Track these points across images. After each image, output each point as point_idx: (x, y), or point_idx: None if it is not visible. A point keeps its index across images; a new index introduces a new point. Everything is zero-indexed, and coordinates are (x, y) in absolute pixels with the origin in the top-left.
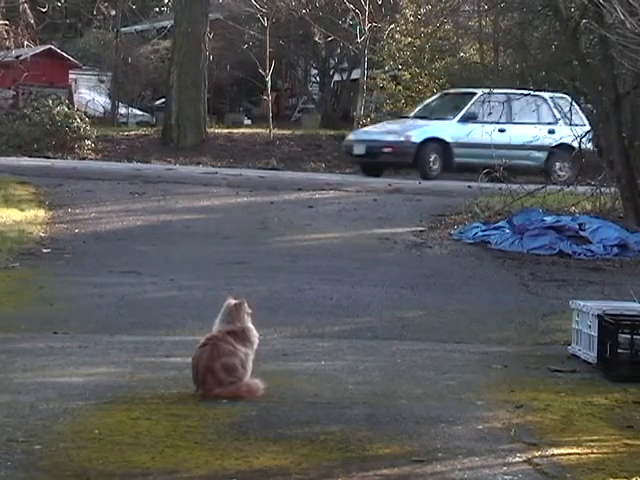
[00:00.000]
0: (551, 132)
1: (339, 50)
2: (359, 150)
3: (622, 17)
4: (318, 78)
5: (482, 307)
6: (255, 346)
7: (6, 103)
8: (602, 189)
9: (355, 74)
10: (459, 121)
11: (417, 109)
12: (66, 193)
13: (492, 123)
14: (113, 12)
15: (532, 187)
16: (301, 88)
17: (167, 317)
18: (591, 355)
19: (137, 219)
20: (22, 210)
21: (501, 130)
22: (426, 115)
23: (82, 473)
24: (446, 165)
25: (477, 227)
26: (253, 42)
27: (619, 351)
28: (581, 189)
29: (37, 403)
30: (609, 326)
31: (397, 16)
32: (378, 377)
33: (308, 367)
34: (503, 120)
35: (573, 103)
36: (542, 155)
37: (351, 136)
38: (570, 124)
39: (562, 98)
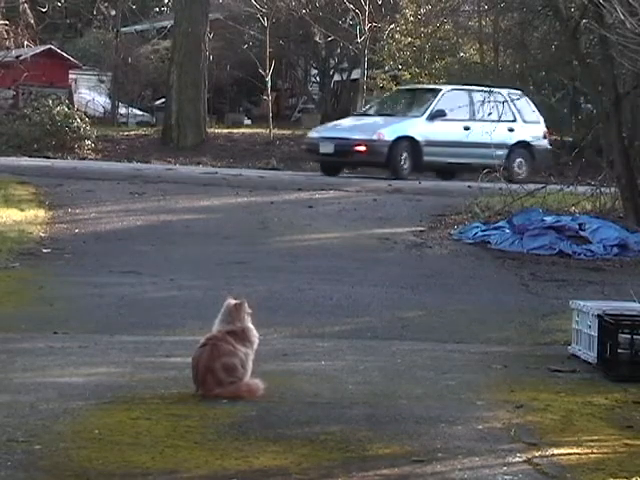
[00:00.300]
0: (510, 130)
1: (339, 50)
2: (326, 149)
3: (622, 17)
4: (318, 78)
5: (482, 307)
6: (255, 346)
7: (6, 103)
8: (602, 189)
9: (355, 74)
10: (427, 119)
11: (372, 106)
12: (66, 193)
13: (458, 121)
14: (113, 12)
15: (532, 187)
16: (301, 88)
17: (167, 317)
18: (591, 355)
19: (137, 219)
20: (22, 210)
21: (466, 128)
22: (388, 112)
23: (82, 473)
24: (416, 164)
25: (477, 227)
26: (253, 42)
27: (619, 351)
28: (581, 189)
29: (37, 403)
30: (609, 326)
31: (397, 16)
32: (378, 377)
33: (308, 367)
34: (467, 118)
35: (527, 100)
36: (503, 153)
37: (314, 133)
38: (526, 121)
39: (517, 95)
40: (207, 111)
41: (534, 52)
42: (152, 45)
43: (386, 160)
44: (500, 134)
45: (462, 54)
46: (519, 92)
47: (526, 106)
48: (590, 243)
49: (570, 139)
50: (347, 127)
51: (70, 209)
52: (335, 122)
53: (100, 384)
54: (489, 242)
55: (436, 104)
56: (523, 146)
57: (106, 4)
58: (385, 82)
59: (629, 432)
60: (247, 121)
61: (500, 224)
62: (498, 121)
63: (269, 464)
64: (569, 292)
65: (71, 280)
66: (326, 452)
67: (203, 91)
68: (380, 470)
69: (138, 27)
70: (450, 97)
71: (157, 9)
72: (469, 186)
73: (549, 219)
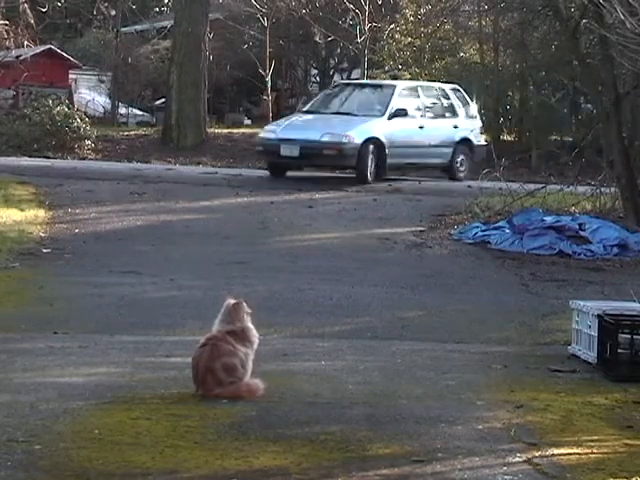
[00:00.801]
0: (455, 127)
1: (339, 50)
2: (290, 151)
3: (622, 17)
4: (318, 78)
5: (482, 307)
6: (255, 346)
7: (6, 103)
8: (602, 189)
9: (355, 74)
10: (388, 118)
11: (316, 102)
12: (66, 193)
13: (412, 118)
14: (113, 12)
15: (532, 187)
16: (301, 88)
17: (167, 317)
18: (591, 355)
19: (137, 219)
20: (22, 210)
21: (420, 127)
22: (342, 110)
23: (82, 473)
24: (380, 167)
25: (477, 227)
26: (253, 42)
27: (619, 351)
28: (581, 189)
29: (37, 403)
30: (609, 326)
31: (397, 16)
32: (378, 377)
33: (308, 367)
34: (419, 115)
35: (466, 95)
36: (449, 151)
37: (270, 134)
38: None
39: (456, 90)
40: (207, 111)
41: (534, 52)
42: (152, 45)
43: (356, 163)
44: (448, 131)
45: (462, 54)
46: (458, 87)
47: (465, 101)
48: (590, 243)
49: (570, 139)
50: (308, 127)
51: (70, 209)
52: (287, 121)
53: (100, 384)
54: (489, 242)
55: (394, 102)
56: (465, 143)
57: (106, 4)
58: None
59: (629, 432)
60: (247, 121)
61: (500, 224)
62: (445, 117)
63: (269, 464)
64: (569, 292)
65: (71, 280)
66: (326, 452)
67: (203, 91)
68: (380, 470)
69: (138, 27)
70: (404, 94)
71: (157, 9)
72: (469, 186)
73: (549, 219)
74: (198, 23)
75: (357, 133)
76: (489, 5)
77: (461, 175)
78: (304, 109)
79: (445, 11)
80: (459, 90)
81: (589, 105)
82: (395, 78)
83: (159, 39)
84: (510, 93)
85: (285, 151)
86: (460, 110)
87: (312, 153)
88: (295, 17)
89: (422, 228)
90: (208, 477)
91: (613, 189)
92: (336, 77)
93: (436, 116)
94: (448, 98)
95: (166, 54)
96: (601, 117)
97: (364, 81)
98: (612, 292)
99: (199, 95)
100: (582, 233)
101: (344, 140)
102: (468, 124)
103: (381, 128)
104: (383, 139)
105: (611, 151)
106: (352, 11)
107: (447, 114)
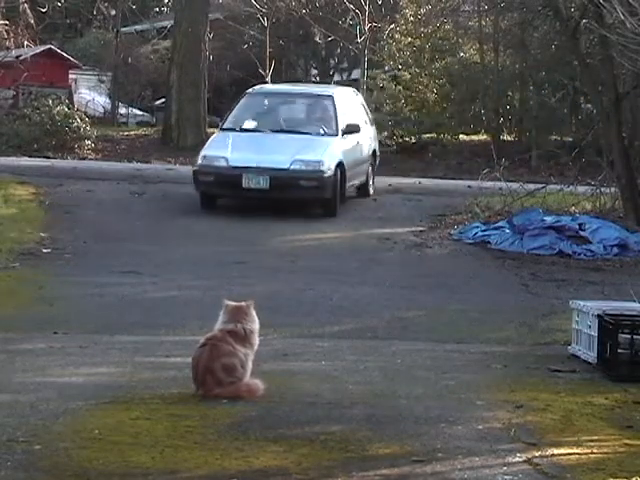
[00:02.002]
0: (370, 138)
1: (339, 50)
2: (258, 183)
3: (622, 17)
4: (318, 78)
5: (482, 307)
6: (255, 347)
7: (6, 103)
8: (602, 189)
9: (355, 74)
10: (342, 136)
11: (239, 117)
12: (66, 193)
13: (354, 133)
14: (113, 12)
15: (532, 187)
16: None
17: (167, 317)
18: (591, 355)
19: (137, 219)
20: (22, 210)
21: (357, 142)
22: (280, 127)
23: (82, 473)
24: (342, 194)
25: (477, 227)
26: (253, 42)
27: (619, 351)
28: (581, 189)
29: (37, 403)
30: (609, 326)
31: (397, 16)
32: (378, 377)
33: (308, 367)
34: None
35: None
36: (367, 167)
37: (218, 160)
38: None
39: (356, 93)
40: (207, 111)
41: (534, 52)
42: (152, 45)
43: (331, 194)
44: (369, 143)
45: (462, 54)
46: (355, 90)
47: (366, 107)
48: (590, 243)
49: (570, 139)
50: (268, 150)
51: (70, 209)
52: (224, 142)
53: (100, 384)
54: (489, 242)
55: (341, 115)
56: (374, 154)
57: (106, 4)
58: (385, 82)
59: (629, 432)
60: None
61: (500, 224)
62: (366, 127)
63: (269, 464)
64: (569, 292)
65: (71, 280)
66: (326, 452)
67: (203, 91)
68: (380, 470)
69: (138, 27)
70: (341, 103)
71: (157, 9)
72: (469, 186)
73: (549, 219)
74: (198, 23)
75: (328, 157)
76: (489, 5)
77: (371, 190)
78: (225, 126)
79: (445, 11)
80: (357, 93)
81: (589, 105)
82: (395, 78)
83: (159, 39)
84: (510, 93)
85: (251, 182)
86: (368, 117)
87: (285, 184)
88: (295, 17)
89: (422, 228)
90: (208, 477)
91: (613, 189)
92: (336, 77)
93: (362, 127)
94: (363, 105)
95: (166, 54)
96: (601, 117)
97: (288, 88)
98: (612, 292)
99: (199, 95)
100: (582, 233)
101: (322, 167)
102: (374, 133)
103: (340, 149)
104: (344, 163)
105: (611, 151)
106: (352, 11)
107: (367, 123)
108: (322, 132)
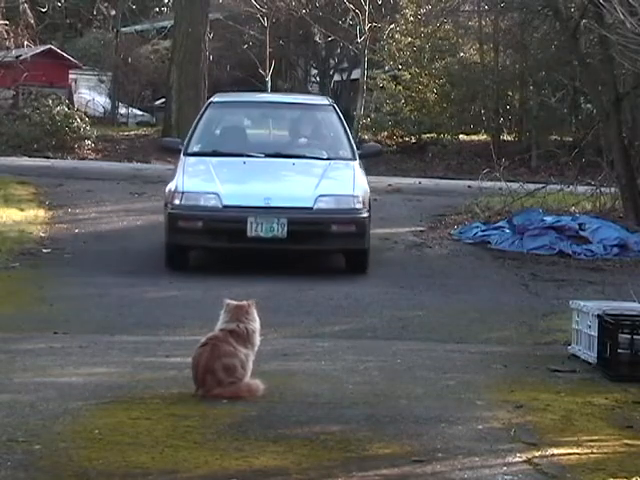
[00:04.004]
0: None
1: (339, 50)
2: (271, 230)
3: (622, 17)
4: (318, 78)
5: (482, 307)
6: (257, 347)
7: (6, 103)
8: (602, 189)
9: (355, 74)
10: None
11: (201, 138)
12: (66, 193)
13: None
14: (113, 12)
15: (532, 187)
16: (301, 88)
17: (167, 317)
18: (591, 355)
19: (137, 219)
20: (22, 210)
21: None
22: (277, 151)
23: (82, 473)
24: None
25: (477, 227)
26: (253, 42)
27: (619, 351)
28: (581, 189)
29: (37, 403)
30: (609, 326)
31: (397, 16)
32: (378, 377)
33: (308, 367)
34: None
35: None
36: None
37: (208, 200)
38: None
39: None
40: None
41: (534, 52)
42: (152, 45)
43: (368, 243)
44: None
45: (462, 54)
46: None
47: None
48: (590, 243)
49: (570, 139)
50: (277, 181)
51: (70, 209)
52: (202, 170)
53: (100, 384)
54: (489, 242)
55: (351, 132)
56: None
57: (106, 4)
58: (385, 82)
59: (629, 432)
60: None
61: (500, 224)
62: None
63: (269, 464)
64: (569, 292)
65: (71, 280)
66: (326, 452)
67: (203, 91)
68: (380, 470)
69: (138, 27)
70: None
71: (157, 9)
72: (469, 186)
73: (549, 219)
74: (198, 23)
75: (360, 191)
76: (489, 5)
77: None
78: (192, 149)
79: (445, 11)
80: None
81: (589, 105)
82: (395, 78)
83: (159, 39)
84: (510, 93)
85: (262, 231)
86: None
87: (309, 231)
88: (295, 17)
89: (422, 228)
90: (208, 477)
91: (613, 189)
92: (336, 77)
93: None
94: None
95: (166, 54)
96: (601, 117)
97: (270, 97)
98: (612, 292)
99: (199, 95)
100: (582, 233)
101: (357, 205)
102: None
103: (363, 178)
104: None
105: (611, 151)
106: (352, 11)
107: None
108: (336, 155)
